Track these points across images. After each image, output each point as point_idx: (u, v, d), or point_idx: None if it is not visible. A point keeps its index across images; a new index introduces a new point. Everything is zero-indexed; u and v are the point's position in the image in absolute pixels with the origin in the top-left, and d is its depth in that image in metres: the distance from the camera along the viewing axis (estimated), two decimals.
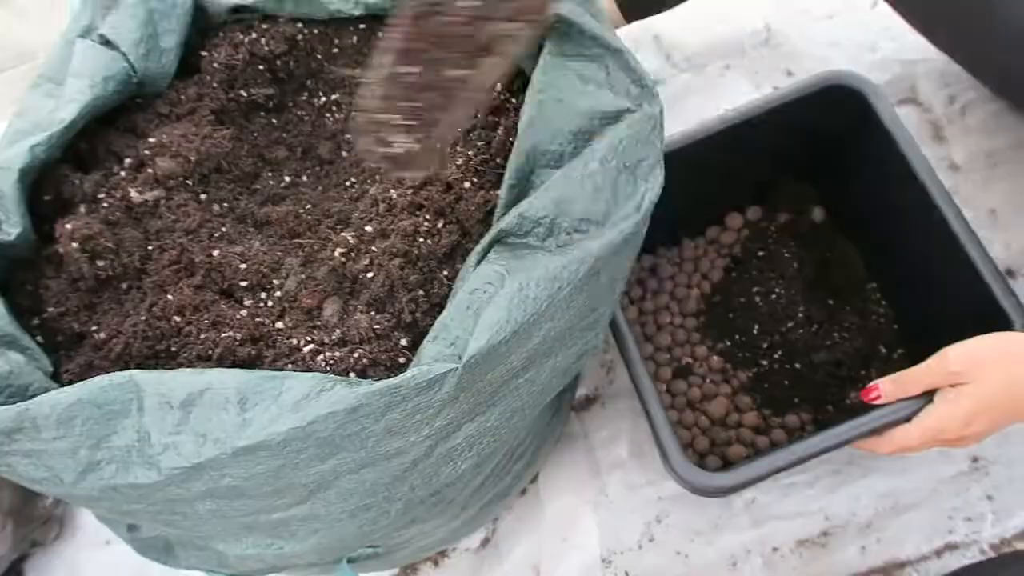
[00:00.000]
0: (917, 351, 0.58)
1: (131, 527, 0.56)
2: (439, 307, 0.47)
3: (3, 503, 0.75)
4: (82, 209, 0.50)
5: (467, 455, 0.47)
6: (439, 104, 0.41)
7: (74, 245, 0.48)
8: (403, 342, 0.46)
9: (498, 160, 0.50)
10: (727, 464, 0.72)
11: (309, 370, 0.45)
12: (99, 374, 0.43)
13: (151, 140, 0.53)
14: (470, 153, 0.50)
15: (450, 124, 0.42)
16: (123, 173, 0.52)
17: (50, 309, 0.49)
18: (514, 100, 0.52)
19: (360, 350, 0.45)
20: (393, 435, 0.42)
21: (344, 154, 0.58)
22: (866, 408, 0.58)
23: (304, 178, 0.57)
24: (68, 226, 0.48)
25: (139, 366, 0.47)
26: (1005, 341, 0.54)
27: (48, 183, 0.51)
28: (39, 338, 0.49)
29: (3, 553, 0.77)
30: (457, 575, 0.76)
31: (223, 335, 0.47)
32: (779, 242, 0.79)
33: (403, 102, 0.40)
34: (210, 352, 0.46)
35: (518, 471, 0.64)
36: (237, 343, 0.46)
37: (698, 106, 0.89)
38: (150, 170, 0.52)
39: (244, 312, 0.48)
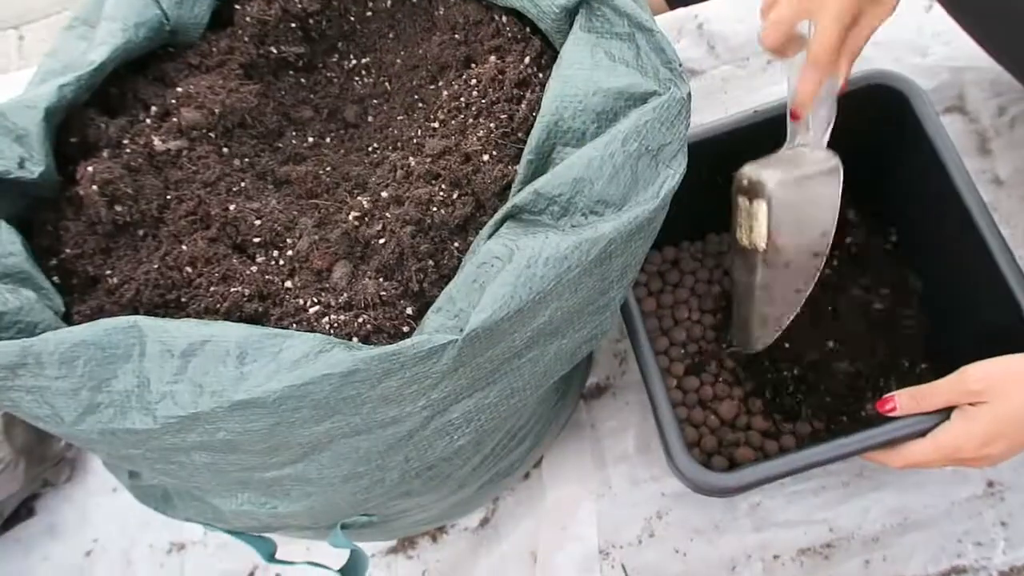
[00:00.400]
0: (942, 367, 0.56)
1: (132, 473, 0.56)
2: (448, 278, 0.46)
3: (17, 441, 0.76)
4: (105, 153, 0.50)
5: (464, 430, 0.47)
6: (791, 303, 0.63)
7: (94, 188, 0.48)
8: (409, 311, 0.46)
9: (519, 135, 0.49)
10: (733, 466, 0.71)
11: (313, 331, 0.44)
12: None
13: (179, 90, 0.53)
14: (491, 125, 0.49)
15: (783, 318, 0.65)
16: (148, 121, 0.52)
17: (67, 251, 0.49)
18: (541, 75, 0.51)
19: (365, 315, 0.45)
20: (389, 403, 0.41)
21: (370, 119, 0.58)
22: (881, 421, 0.56)
23: (327, 140, 0.57)
24: (89, 169, 0.48)
25: (148, 314, 0.46)
26: None
27: (75, 125, 0.51)
28: (55, 278, 0.49)
29: (15, 490, 0.78)
30: (454, 553, 0.76)
31: (232, 290, 0.47)
32: None
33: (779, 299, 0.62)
34: (218, 305, 0.46)
35: (520, 454, 0.63)
36: (245, 299, 0.46)
37: (738, 99, 0.87)
38: (175, 119, 0.52)
39: (255, 268, 0.48)
